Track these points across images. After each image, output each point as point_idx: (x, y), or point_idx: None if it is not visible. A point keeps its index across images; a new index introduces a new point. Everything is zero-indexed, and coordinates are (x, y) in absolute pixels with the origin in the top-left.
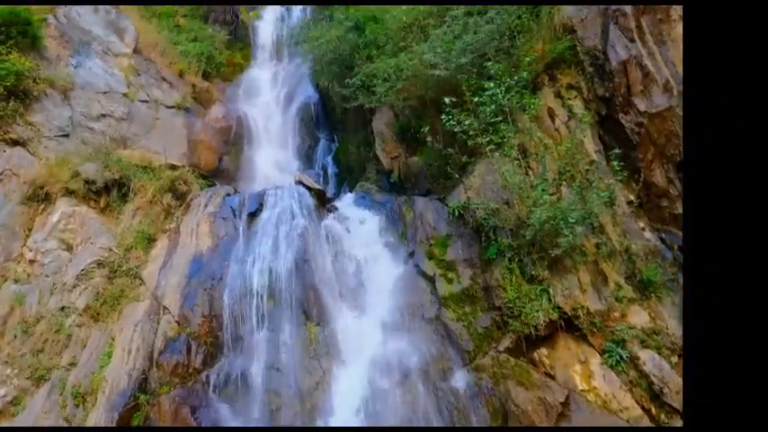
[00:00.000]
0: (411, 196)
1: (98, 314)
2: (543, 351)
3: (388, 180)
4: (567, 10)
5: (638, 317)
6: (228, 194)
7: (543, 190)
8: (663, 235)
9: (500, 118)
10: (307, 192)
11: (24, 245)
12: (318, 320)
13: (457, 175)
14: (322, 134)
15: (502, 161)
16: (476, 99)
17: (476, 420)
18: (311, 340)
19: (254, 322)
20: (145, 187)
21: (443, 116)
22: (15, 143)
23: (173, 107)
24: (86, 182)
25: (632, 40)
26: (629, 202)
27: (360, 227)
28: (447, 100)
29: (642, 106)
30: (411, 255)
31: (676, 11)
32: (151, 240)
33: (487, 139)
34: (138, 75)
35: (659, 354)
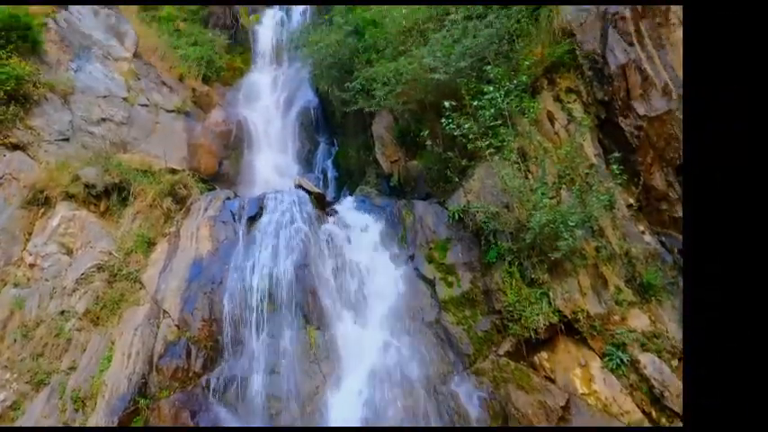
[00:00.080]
0: (411, 200)
1: (98, 318)
2: (543, 355)
3: (387, 184)
4: (567, 14)
5: (639, 320)
6: (228, 198)
7: (543, 193)
8: (663, 238)
9: (500, 122)
10: (307, 196)
11: (24, 249)
12: (318, 324)
13: (457, 179)
14: (322, 138)
15: (501, 165)
16: (475, 103)
17: (476, 424)
18: (311, 344)
19: (253, 326)
20: (145, 191)
21: (443, 120)
22: (15, 147)
23: (173, 111)
24: (86, 186)
25: (631, 44)
26: (629, 206)
27: (359, 231)
28: (447, 104)
29: (641, 110)
30: (411, 258)
31: (675, 14)
32: (151, 244)
33: (487, 142)
34: (138, 79)
35: (659, 357)
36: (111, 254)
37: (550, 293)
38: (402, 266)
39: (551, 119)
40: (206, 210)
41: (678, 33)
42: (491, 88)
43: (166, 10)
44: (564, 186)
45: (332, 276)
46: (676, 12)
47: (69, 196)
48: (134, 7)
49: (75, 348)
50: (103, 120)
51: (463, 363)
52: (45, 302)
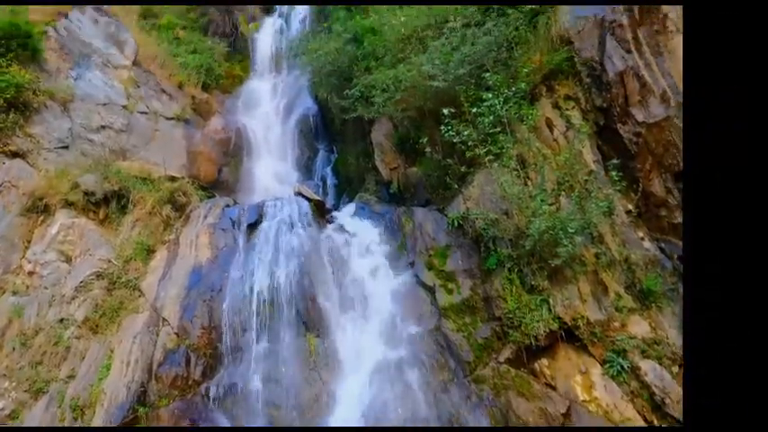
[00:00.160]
0: (410, 207)
1: (97, 326)
2: (544, 362)
3: (387, 191)
4: (565, 21)
5: (639, 327)
6: (228, 206)
7: (542, 200)
8: (662, 244)
9: (498, 129)
10: (306, 203)
11: (23, 257)
12: (318, 332)
13: (456, 186)
14: (321, 145)
15: (501, 172)
16: (474, 110)
17: None
18: (311, 352)
19: (253, 334)
20: (144, 199)
21: (442, 127)
22: (15, 155)
23: (172, 119)
24: (86, 193)
25: (629, 51)
26: (628, 212)
27: (359, 238)
28: (446, 111)
29: (640, 116)
30: (410, 265)
31: (673, 22)
32: (150, 252)
33: (486, 149)
34: (138, 87)
35: (660, 364)
36: (110, 261)
37: (550, 300)
38: (402, 273)
39: (550, 126)
40: (205, 217)
41: (675, 40)
42: (490, 95)
43: (166, 18)
44: (563, 193)
45: (331, 283)
46: (674, 19)
47: (68, 204)
48: (134, 15)
49: (74, 356)
50: (103, 127)
51: (463, 370)
52: (44, 310)
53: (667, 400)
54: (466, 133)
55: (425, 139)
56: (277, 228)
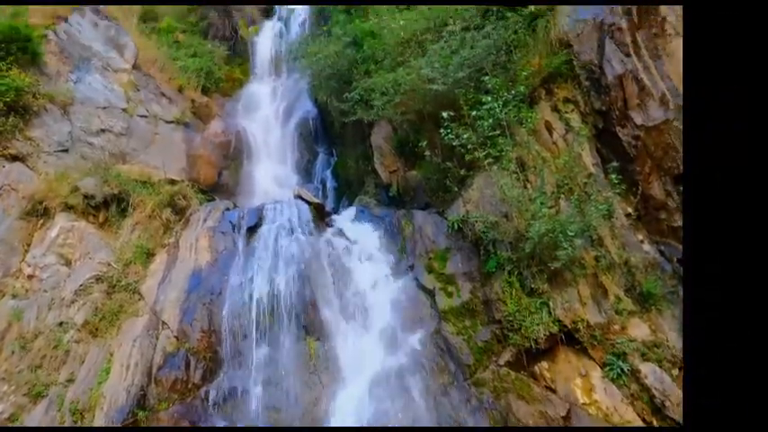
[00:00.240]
0: (410, 210)
1: (96, 329)
2: (544, 364)
3: (386, 194)
4: (564, 24)
5: (639, 329)
6: (228, 209)
7: (542, 203)
8: (662, 247)
9: (498, 132)
10: (306, 206)
11: (23, 260)
12: (318, 335)
13: (455, 189)
14: (321, 148)
15: (500, 174)
16: (473, 113)
17: None
18: (311, 355)
19: (253, 337)
20: (144, 202)
21: (441, 130)
22: (15, 158)
23: (172, 122)
24: (85, 197)
25: (628, 55)
26: (628, 215)
27: (359, 241)
28: (445, 114)
29: (639, 120)
30: (410, 268)
31: (671, 25)
32: (150, 255)
33: (485, 152)
34: (138, 90)
35: (660, 367)
36: (109, 265)
37: (550, 303)
38: (401, 277)
39: (549, 129)
40: (205, 220)
41: (674, 44)
42: (489, 98)
43: (166, 21)
44: (563, 196)
45: (331, 287)
46: (672, 22)
47: (68, 207)
48: (134, 19)
49: (73, 360)
50: (103, 131)
51: (463, 373)
52: (43, 314)
53: (667, 403)
54: (465, 136)
55: (425, 143)
56: (277, 231)
